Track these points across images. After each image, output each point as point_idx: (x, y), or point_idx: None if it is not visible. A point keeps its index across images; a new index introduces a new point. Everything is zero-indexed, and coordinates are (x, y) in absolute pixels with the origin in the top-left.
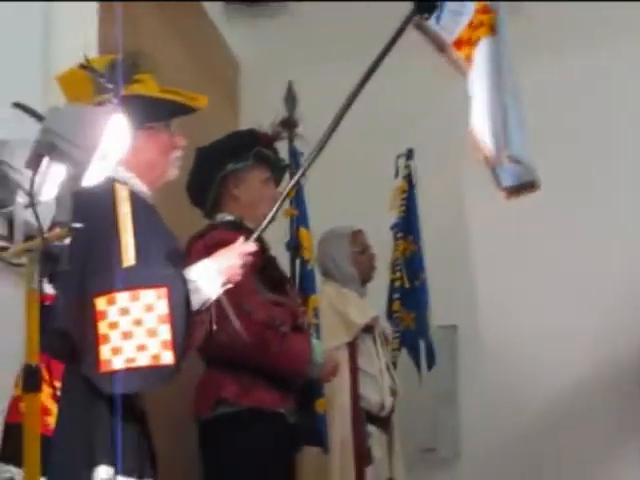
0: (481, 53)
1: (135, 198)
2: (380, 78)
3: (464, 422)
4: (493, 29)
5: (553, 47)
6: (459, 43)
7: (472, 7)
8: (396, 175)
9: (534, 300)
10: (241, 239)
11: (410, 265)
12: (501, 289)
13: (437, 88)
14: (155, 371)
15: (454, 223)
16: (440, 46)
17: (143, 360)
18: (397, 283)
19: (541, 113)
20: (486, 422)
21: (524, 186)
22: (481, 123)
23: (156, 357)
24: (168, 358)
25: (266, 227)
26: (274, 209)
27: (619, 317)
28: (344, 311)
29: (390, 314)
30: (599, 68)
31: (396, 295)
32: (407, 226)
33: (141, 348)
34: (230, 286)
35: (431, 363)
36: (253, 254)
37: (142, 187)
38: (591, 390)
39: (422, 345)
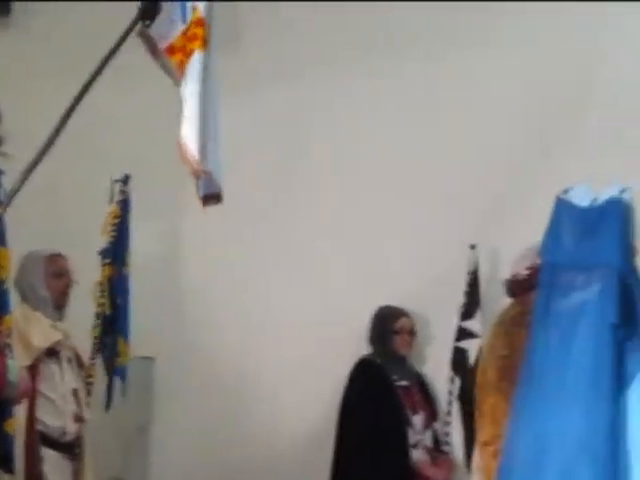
0: (194, 66)
1: None
2: (102, 99)
3: (155, 452)
4: (205, 44)
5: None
6: (171, 49)
7: (189, 16)
8: (111, 200)
9: (239, 336)
10: None
11: (114, 291)
12: (209, 323)
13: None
14: None
15: (167, 252)
16: (153, 51)
17: None
18: (100, 309)
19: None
20: (178, 453)
21: (211, 196)
22: (190, 135)
23: None
24: None
25: None
26: None
27: (340, 346)
28: (26, 334)
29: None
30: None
31: (98, 321)
32: (115, 251)
33: None
34: None
35: (124, 392)
36: None
37: None
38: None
39: (117, 373)
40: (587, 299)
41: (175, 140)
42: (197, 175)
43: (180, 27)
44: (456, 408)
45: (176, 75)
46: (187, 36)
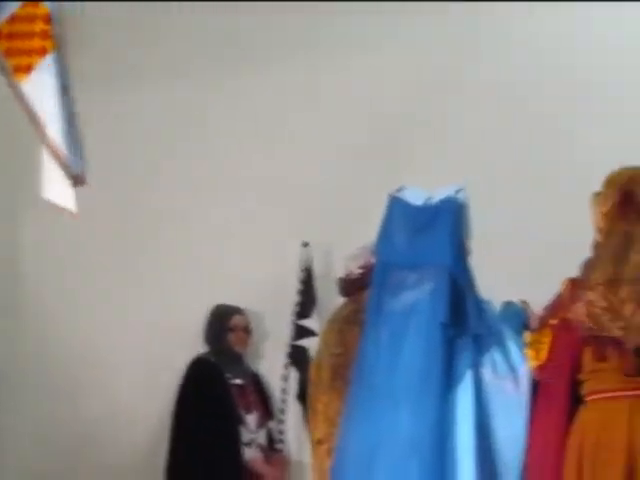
0: (49, 67)
1: None
2: None
3: None
4: (56, 44)
5: None
6: None
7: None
8: None
9: (78, 336)
10: None
11: None
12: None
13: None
14: None
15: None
16: None
17: None
18: None
19: None
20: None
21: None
22: (55, 133)
23: None
24: None
25: None
26: None
27: (178, 345)
28: None
29: None
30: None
31: None
32: None
33: None
34: None
35: None
36: None
37: None
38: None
39: None
40: (418, 298)
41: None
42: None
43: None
44: (292, 407)
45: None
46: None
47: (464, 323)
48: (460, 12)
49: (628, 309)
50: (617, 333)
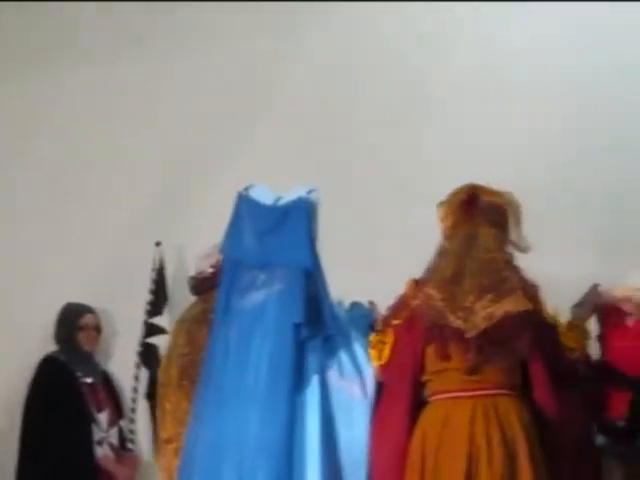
0: None
1: None
2: None
3: None
4: None
5: None
6: None
7: None
8: None
9: None
10: None
11: None
12: None
13: None
14: None
15: None
16: None
17: None
18: None
19: None
20: None
21: None
22: None
23: None
24: None
25: None
26: None
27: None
28: None
29: None
30: None
31: None
32: None
33: None
34: None
35: None
36: None
37: None
38: None
39: None
40: (268, 298)
41: None
42: None
43: None
44: (142, 406)
45: None
46: None
47: (317, 324)
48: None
49: (469, 300)
50: (458, 323)
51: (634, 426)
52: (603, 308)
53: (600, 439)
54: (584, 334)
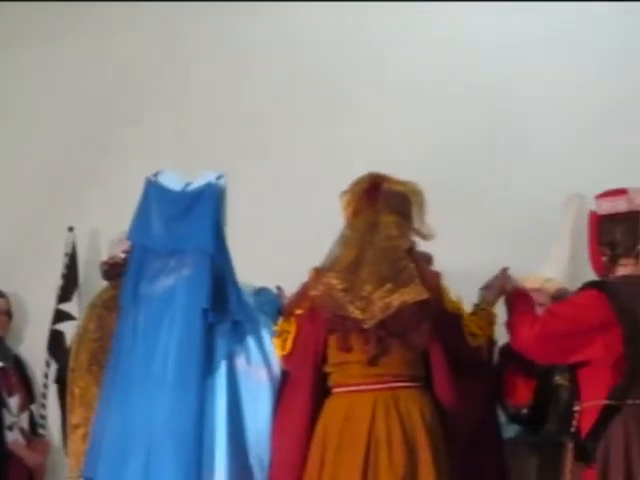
0: None
1: None
2: None
3: None
4: None
5: None
6: None
7: None
8: None
9: None
10: None
11: None
12: None
13: None
14: None
15: None
16: None
17: None
18: None
19: None
20: None
21: None
22: None
23: None
24: None
25: None
26: None
27: None
28: None
29: None
30: None
31: None
32: None
33: None
34: None
35: None
36: None
37: None
38: None
39: None
40: (177, 284)
41: None
42: None
43: None
44: (53, 391)
45: None
46: None
47: (224, 309)
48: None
49: (367, 289)
50: (356, 314)
51: (538, 414)
52: (512, 294)
53: (512, 429)
54: (490, 317)
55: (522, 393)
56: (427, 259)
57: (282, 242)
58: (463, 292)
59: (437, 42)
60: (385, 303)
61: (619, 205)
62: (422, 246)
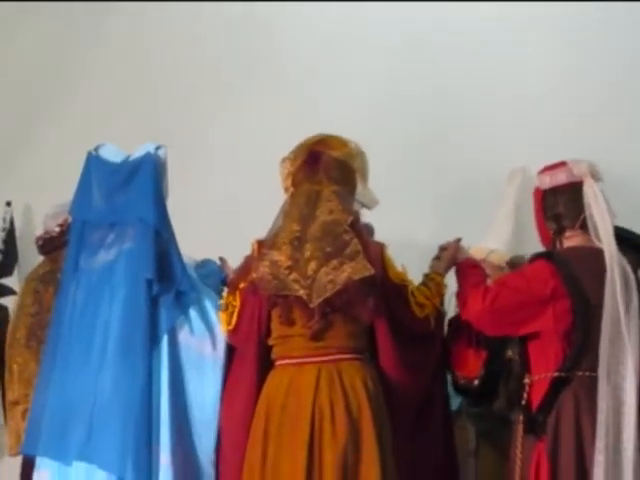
0: None
1: None
2: None
3: None
4: None
5: None
6: None
7: None
8: None
9: None
10: None
11: None
12: None
13: None
14: None
15: None
16: None
17: None
18: None
19: None
20: None
21: None
22: None
23: None
24: None
25: None
26: None
27: None
28: None
29: None
30: None
31: None
32: None
33: None
34: None
35: None
36: None
37: None
38: None
39: None
40: (119, 256)
41: None
42: None
43: None
44: None
45: None
46: None
47: (168, 280)
48: None
49: (311, 267)
50: (301, 292)
51: (489, 386)
52: (463, 264)
53: (456, 402)
54: (439, 288)
55: (472, 364)
56: (369, 230)
57: (227, 212)
58: (408, 262)
59: None
60: (330, 280)
61: (559, 177)
62: (367, 215)
